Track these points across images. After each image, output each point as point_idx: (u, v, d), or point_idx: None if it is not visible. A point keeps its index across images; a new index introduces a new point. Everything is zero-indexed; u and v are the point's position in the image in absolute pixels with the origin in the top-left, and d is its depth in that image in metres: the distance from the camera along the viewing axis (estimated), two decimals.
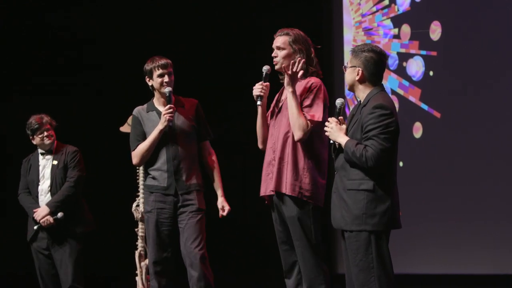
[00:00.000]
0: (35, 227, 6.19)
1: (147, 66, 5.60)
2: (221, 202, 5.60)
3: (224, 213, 5.56)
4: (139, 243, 6.27)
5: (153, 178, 5.51)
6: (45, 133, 6.25)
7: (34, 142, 6.29)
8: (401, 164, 7.59)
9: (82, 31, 8.68)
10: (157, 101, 5.62)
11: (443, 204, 7.49)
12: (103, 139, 8.28)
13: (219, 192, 5.62)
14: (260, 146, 5.16)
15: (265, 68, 5.08)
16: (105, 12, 8.73)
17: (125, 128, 6.25)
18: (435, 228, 7.53)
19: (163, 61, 5.55)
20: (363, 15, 8.09)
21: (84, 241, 6.23)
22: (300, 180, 4.89)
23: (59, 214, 6.12)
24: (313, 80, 4.99)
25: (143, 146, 5.50)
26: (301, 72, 4.89)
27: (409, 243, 7.41)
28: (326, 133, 4.51)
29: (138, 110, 5.66)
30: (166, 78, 5.52)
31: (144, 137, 5.54)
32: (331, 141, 4.53)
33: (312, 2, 8.50)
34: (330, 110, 4.98)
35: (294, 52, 4.99)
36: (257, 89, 5.03)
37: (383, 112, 4.35)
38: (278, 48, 5.03)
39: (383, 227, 4.37)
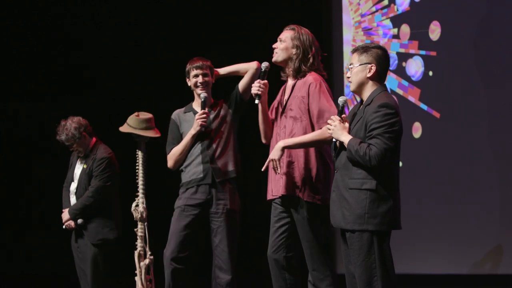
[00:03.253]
0: (64, 227, 6.39)
1: (187, 67, 5.72)
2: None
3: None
4: (139, 243, 6.26)
5: (189, 167, 5.61)
6: (71, 149, 6.40)
7: None
8: (400, 164, 7.54)
9: (85, 32, 8.68)
10: (195, 102, 5.74)
11: (442, 204, 7.49)
12: (103, 139, 8.27)
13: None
14: (263, 141, 5.21)
15: (264, 65, 5.14)
16: (105, 13, 8.73)
17: (125, 128, 6.25)
18: (434, 228, 7.53)
19: (199, 63, 5.67)
20: (362, 15, 8.09)
21: (108, 248, 6.34)
22: (312, 183, 4.93)
23: (79, 221, 6.30)
24: (311, 80, 5.00)
25: (176, 149, 5.64)
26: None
27: (408, 243, 7.40)
28: (329, 132, 4.50)
29: (176, 113, 5.80)
30: (200, 79, 5.64)
31: (179, 140, 5.67)
32: (333, 140, 4.52)
33: (312, 2, 8.50)
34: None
35: (292, 47, 5.06)
36: (255, 87, 5.08)
37: (388, 111, 4.33)
38: (280, 40, 5.12)
39: (385, 227, 4.35)
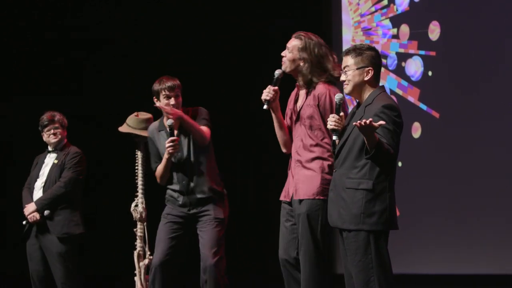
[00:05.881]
0: (24, 222, 6.23)
1: (155, 87, 5.55)
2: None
3: None
4: (138, 243, 6.26)
5: (171, 191, 5.61)
6: (52, 131, 6.28)
7: (44, 138, 6.33)
8: (400, 164, 7.59)
9: (85, 31, 8.69)
10: (166, 119, 5.61)
11: (442, 203, 7.50)
12: (102, 139, 8.28)
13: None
14: (283, 150, 5.09)
15: (277, 72, 4.97)
16: (105, 13, 8.74)
17: (124, 128, 6.26)
18: (434, 228, 7.53)
19: (169, 83, 5.50)
20: (362, 15, 8.09)
21: (74, 243, 6.21)
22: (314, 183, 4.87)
23: (46, 212, 6.14)
24: (319, 91, 4.89)
25: (159, 169, 5.59)
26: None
27: (408, 243, 7.41)
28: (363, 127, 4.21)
29: (152, 129, 5.71)
30: (172, 101, 5.49)
31: (160, 157, 5.60)
32: (334, 138, 4.48)
33: (311, 2, 8.51)
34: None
35: (299, 59, 4.92)
36: (265, 93, 4.92)
37: (393, 113, 4.33)
38: (287, 48, 4.97)
39: (381, 226, 4.36)
